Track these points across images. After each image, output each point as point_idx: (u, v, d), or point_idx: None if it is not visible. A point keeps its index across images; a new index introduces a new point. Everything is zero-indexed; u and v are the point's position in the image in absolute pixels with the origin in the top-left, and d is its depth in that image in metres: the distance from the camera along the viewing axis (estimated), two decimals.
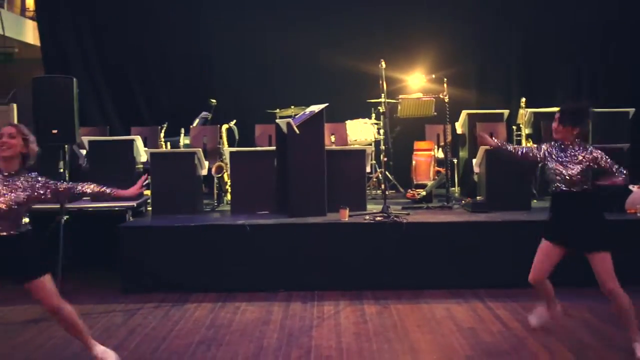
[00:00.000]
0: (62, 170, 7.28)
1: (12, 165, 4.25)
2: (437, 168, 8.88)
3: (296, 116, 7.63)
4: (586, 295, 5.90)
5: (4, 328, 5.65)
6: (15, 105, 10.85)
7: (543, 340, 5.07)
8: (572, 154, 4.79)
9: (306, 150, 7.26)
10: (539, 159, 4.93)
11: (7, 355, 5.01)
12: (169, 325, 5.63)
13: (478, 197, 7.89)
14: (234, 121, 9.02)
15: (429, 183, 8.47)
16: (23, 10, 12.51)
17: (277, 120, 8.01)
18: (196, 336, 5.33)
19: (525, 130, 9.14)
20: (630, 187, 7.24)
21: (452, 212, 7.53)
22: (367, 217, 7.05)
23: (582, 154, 4.75)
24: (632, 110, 9.05)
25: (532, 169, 8.09)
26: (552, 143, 4.93)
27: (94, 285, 7.04)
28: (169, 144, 8.84)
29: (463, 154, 9.37)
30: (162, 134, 8.83)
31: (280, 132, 7.70)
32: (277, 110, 9.07)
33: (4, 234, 4.17)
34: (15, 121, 10.55)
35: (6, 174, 4.23)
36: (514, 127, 9.33)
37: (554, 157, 4.87)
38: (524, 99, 9.24)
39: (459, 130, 9.42)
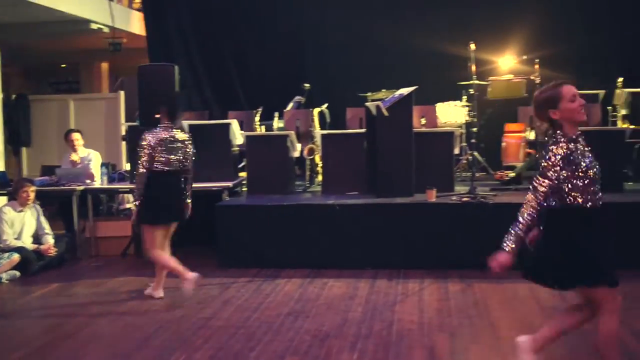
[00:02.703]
0: None
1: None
2: (527, 150, 8.81)
3: (386, 99, 7.79)
4: None
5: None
6: (122, 93, 11.53)
7: (629, 321, 5.04)
8: None
9: (394, 132, 7.43)
10: None
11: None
12: (260, 298, 5.98)
13: None
14: (326, 105, 9.29)
15: (519, 165, 8.44)
16: (130, 2, 13.20)
17: (367, 104, 8.20)
18: (285, 308, 5.64)
19: (622, 111, 8.91)
20: None
21: None
22: (453, 197, 7.16)
23: None
24: None
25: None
26: None
27: (192, 261, 7.45)
28: (263, 127, 9.20)
29: None
30: (257, 118, 9.20)
31: (370, 115, 7.88)
32: (369, 94, 9.23)
33: None
34: (122, 108, 11.23)
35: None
36: (610, 108, 9.11)
37: None
38: (620, 79, 9.01)
39: None
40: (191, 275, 5.87)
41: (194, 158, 6.17)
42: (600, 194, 3.55)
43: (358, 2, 10.51)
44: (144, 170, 5.83)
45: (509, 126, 9.16)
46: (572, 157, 3.47)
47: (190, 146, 6.11)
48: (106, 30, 11.76)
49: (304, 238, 7.06)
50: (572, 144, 3.51)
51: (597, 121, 8.82)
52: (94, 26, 11.44)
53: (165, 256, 6.01)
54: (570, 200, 3.52)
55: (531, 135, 8.92)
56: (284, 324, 5.22)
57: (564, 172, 3.47)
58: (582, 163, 3.48)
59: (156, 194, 5.90)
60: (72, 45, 13.35)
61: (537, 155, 8.30)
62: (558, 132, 3.56)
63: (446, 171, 7.79)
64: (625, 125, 8.50)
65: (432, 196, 7.15)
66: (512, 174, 8.11)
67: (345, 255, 6.96)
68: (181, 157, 6.00)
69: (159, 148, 5.84)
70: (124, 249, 7.96)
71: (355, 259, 6.92)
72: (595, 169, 3.51)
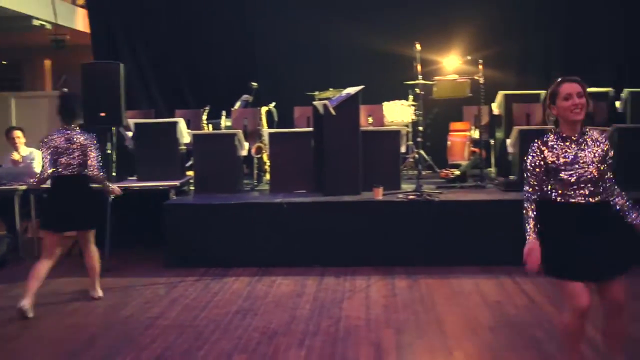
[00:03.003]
0: (109, 151, 7.65)
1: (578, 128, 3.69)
2: (472, 148, 8.98)
3: (333, 98, 7.85)
4: None
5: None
6: (66, 90, 11.30)
7: None
8: None
9: (341, 131, 7.49)
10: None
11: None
12: (209, 297, 5.96)
13: (511, 177, 7.99)
14: (274, 103, 9.29)
15: (464, 163, 8.60)
16: None
17: (314, 102, 8.24)
18: (233, 306, 5.64)
19: None
20: None
21: (485, 191, 7.68)
22: (400, 195, 7.26)
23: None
24: None
25: None
26: None
27: (138, 261, 7.43)
28: (211, 125, 9.15)
29: (499, 134, 9.43)
30: (204, 117, 9.14)
31: (317, 114, 7.93)
32: (316, 93, 9.28)
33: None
34: None
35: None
36: None
37: None
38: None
39: (495, 111, 9.49)
40: (24, 303, 5.46)
41: (100, 163, 5.81)
42: (582, 192, 3.61)
43: (306, 2, 10.53)
44: (45, 173, 5.75)
45: (454, 125, 9.34)
46: (547, 153, 3.63)
47: (92, 150, 5.75)
48: (49, 26, 11.54)
49: (251, 236, 7.05)
50: (558, 142, 3.64)
51: (538, 120, 9.04)
52: (36, 23, 11.22)
53: (36, 268, 5.65)
54: (545, 192, 3.69)
55: (476, 134, 9.09)
56: (232, 322, 5.22)
57: (538, 169, 3.66)
58: (559, 160, 3.60)
59: (49, 199, 5.91)
60: (14, 42, 13.04)
61: (480, 153, 8.49)
62: (555, 128, 3.70)
63: (393, 169, 7.88)
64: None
65: (379, 194, 7.24)
66: (457, 172, 8.26)
67: (293, 253, 6.98)
68: (77, 162, 5.72)
69: (55, 151, 5.69)
70: (68, 249, 7.80)
71: (303, 257, 6.96)
72: (573, 168, 3.58)
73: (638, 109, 8.96)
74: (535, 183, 3.69)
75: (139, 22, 10.89)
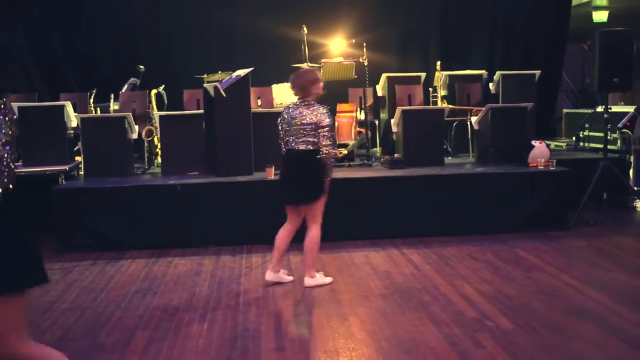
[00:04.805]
0: None
1: None
2: (358, 129, 9.35)
3: (223, 80, 7.95)
4: (489, 240, 6.58)
5: None
6: None
7: (449, 278, 5.65)
8: None
9: (233, 113, 7.61)
10: None
11: None
12: (106, 279, 5.97)
13: (396, 155, 8.40)
14: (163, 86, 9.27)
15: (351, 143, 8.94)
16: None
17: (205, 85, 8.30)
18: (132, 287, 5.69)
19: (441, 92, 9.72)
20: (533, 142, 7.91)
21: (372, 169, 8.04)
22: None
23: None
24: (537, 72, 9.76)
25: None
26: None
27: None
28: (98, 109, 9.03)
29: (383, 115, 9.87)
30: (91, 100, 9.00)
31: (208, 96, 8.00)
32: (205, 75, 9.34)
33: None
34: None
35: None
36: (431, 89, 9.89)
37: None
38: (439, 62, 9.81)
39: (379, 93, 9.92)
40: None
41: None
42: (290, 146, 5.41)
43: None
44: None
45: (341, 106, 9.67)
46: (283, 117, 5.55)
47: None
48: None
49: (146, 219, 7.07)
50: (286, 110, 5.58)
51: (420, 101, 9.54)
52: None
53: None
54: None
55: (361, 115, 9.46)
56: (133, 302, 5.29)
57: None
58: (284, 123, 5.46)
59: None
60: None
61: (366, 133, 8.88)
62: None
63: None
64: (444, 105, 9.27)
65: (271, 174, 7.43)
66: (345, 152, 8.58)
67: (188, 235, 7.07)
68: None
69: None
70: None
71: (198, 237, 7.06)
72: (285, 127, 5.45)
73: (509, 90, 9.66)
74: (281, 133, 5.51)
75: (16, 3, 10.50)
